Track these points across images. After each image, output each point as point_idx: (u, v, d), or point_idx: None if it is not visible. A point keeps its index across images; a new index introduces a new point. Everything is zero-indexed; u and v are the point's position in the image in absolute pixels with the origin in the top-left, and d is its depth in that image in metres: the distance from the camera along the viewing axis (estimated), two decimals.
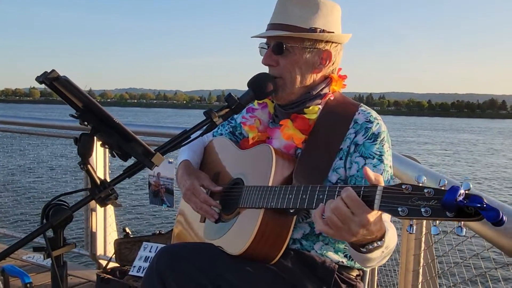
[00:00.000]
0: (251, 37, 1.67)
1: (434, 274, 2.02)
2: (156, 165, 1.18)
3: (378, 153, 1.54)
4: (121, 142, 1.16)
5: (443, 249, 2.02)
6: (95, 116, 1.13)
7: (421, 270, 2.11)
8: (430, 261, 2.06)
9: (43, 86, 1.10)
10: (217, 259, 1.49)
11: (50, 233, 1.20)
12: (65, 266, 1.22)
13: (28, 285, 1.78)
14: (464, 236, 0.91)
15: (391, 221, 1.42)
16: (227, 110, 1.43)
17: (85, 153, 1.17)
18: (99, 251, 3.71)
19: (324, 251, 1.57)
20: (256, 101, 1.72)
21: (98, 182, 1.19)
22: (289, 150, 1.63)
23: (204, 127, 1.40)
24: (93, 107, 1.11)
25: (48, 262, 1.17)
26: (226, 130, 1.93)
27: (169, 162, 3.23)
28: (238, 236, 1.52)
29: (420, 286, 2.12)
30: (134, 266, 3.14)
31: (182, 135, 1.34)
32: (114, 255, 3.37)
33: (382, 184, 1.08)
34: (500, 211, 0.85)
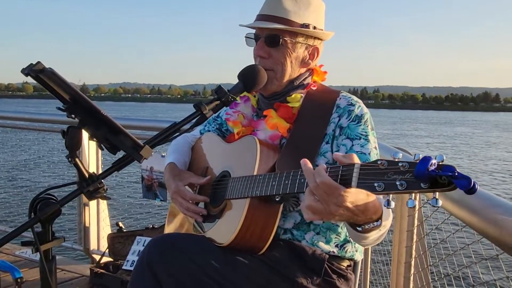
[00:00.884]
0: (241, 25, 1.67)
1: (426, 266, 2.03)
2: (145, 158, 1.17)
3: (364, 133, 1.57)
4: (109, 135, 1.15)
5: (435, 241, 2.03)
6: (82, 109, 1.12)
7: (413, 262, 2.12)
8: (422, 252, 2.06)
9: (35, 81, 1.09)
10: (208, 249, 1.50)
11: (39, 227, 1.19)
12: (54, 260, 1.21)
13: (19, 280, 1.76)
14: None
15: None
16: (217, 102, 1.42)
17: (72, 146, 1.16)
18: (93, 245, 3.70)
19: (315, 241, 1.58)
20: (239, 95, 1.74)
21: (87, 175, 1.18)
22: (274, 140, 1.65)
23: (194, 120, 1.39)
24: (80, 100, 1.09)
25: None
26: (213, 127, 1.97)
27: (162, 156, 3.22)
28: (225, 227, 1.53)
29: (412, 277, 2.13)
30: (128, 261, 3.14)
31: (171, 127, 1.33)
32: (107, 250, 3.37)
33: (357, 161, 1.09)
34: (472, 179, 0.86)
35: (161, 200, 3.46)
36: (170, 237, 1.56)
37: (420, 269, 2.06)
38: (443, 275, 2.03)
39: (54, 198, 1.19)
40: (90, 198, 1.19)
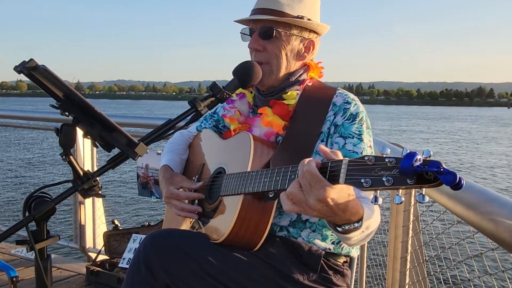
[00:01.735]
0: (235, 21, 1.67)
1: (421, 261, 2.04)
2: (139, 155, 1.16)
3: (357, 132, 1.56)
4: (103, 133, 1.14)
5: (430, 236, 2.04)
6: (76, 106, 1.10)
7: (409, 257, 2.13)
8: (417, 247, 2.07)
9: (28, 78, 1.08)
10: (204, 245, 1.50)
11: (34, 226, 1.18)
12: (49, 258, 1.20)
13: (14, 279, 1.75)
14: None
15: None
16: (212, 99, 1.41)
17: (66, 144, 1.14)
18: (88, 244, 3.70)
19: (311, 238, 1.58)
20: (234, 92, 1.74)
21: (81, 173, 1.17)
22: (269, 137, 1.64)
23: (189, 117, 1.38)
24: (74, 97, 1.08)
25: None
26: (210, 124, 1.96)
27: (158, 154, 3.21)
28: (219, 224, 1.53)
29: (408, 273, 2.14)
30: (124, 258, 3.14)
31: (166, 124, 1.32)
32: (103, 248, 3.37)
33: (341, 157, 1.08)
34: (458, 174, 0.85)
35: (157, 198, 3.45)
36: (166, 232, 1.55)
37: (416, 264, 2.07)
38: (438, 270, 2.04)
39: (49, 196, 1.18)
40: (85, 196, 1.18)
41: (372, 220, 1.29)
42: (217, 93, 1.41)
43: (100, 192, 1.19)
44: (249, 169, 1.49)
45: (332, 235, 1.60)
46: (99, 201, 3.75)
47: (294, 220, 1.59)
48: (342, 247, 1.62)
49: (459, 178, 0.85)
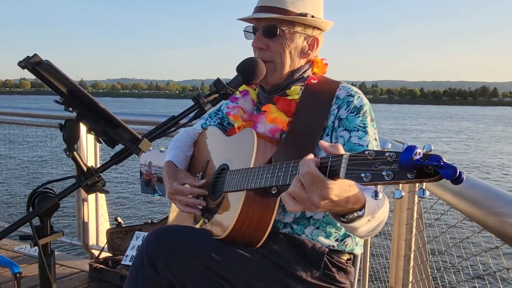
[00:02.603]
0: (238, 19, 1.66)
1: (425, 259, 2.03)
2: (143, 151, 1.16)
3: (362, 125, 1.55)
4: (107, 128, 1.13)
5: (434, 234, 2.03)
6: (80, 102, 1.10)
7: (412, 255, 2.12)
8: (421, 245, 2.06)
9: (33, 77, 1.07)
10: (208, 242, 1.50)
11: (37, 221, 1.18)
12: (52, 254, 1.20)
13: (17, 275, 1.76)
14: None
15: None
16: (216, 95, 1.41)
17: (70, 139, 1.14)
18: (91, 241, 3.70)
19: (315, 235, 1.57)
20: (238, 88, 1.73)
21: (85, 169, 1.16)
22: (274, 133, 1.64)
23: (193, 113, 1.38)
24: (78, 92, 1.08)
25: None
26: (215, 121, 1.96)
27: (161, 151, 3.21)
28: (222, 220, 1.53)
29: (411, 270, 2.14)
30: (127, 256, 3.14)
31: (170, 121, 1.32)
32: (106, 245, 3.37)
33: (342, 151, 1.08)
34: (458, 169, 0.84)
35: (159, 195, 3.45)
36: (170, 229, 1.55)
37: (420, 262, 2.07)
38: (442, 268, 2.04)
39: (52, 192, 1.18)
40: (89, 191, 1.17)
41: (379, 208, 1.28)
42: (220, 89, 1.41)
43: (103, 188, 1.19)
44: (252, 165, 1.48)
45: (336, 232, 1.60)
46: (102, 199, 3.76)
47: (298, 217, 1.58)
48: (346, 245, 1.62)
49: (460, 172, 0.84)
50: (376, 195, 0.97)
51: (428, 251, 2.03)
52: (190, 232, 1.56)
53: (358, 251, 1.67)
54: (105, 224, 3.75)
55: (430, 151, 0.89)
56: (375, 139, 1.58)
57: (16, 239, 3.79)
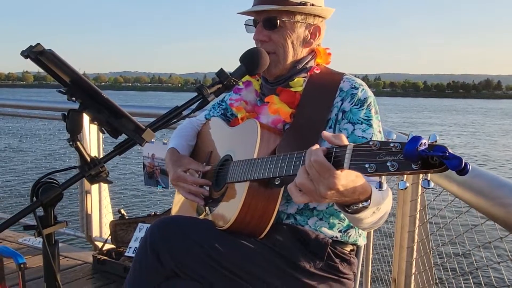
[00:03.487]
0: (238, 13, 1.66)
1: (428, 250, 2.03)
2: (146, 141, 1.16)
3: (365, 118, 1.54)
4: (110, 119, 1.13)
5: (438, 226, 2.03)
6: (83, 91, 1.10)
7: (415, 247, 2.12)
8: (424, 237, 2.06)
9: (36, 70, 1.06)
10: (211, 232, 1.50)
11: (41, 212, 1.19)
12: (56, 244, 1.20)
13: (22, 265, 1.76)
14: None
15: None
16: (219, 86, 1.40)
17: (73, 129, 1.14)
18: (95, 233, 3.71)
19: (318, 226, 1.57)
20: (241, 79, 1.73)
21: (88, 159, 1.17)
22: (276, 124, 1.64)
23: (196, 103, 1.37)
24: (81, 82, 1.08)
25: None
26: (218, 112, 1.96)
27: (164, 143, 3.22)
28: (225, 211, 1.54)
29: (414, 262, 2.13)
30: (130, 247, 3.15)
31: (173, 111, 1.32)
32: (109, 237, 3.39)
33: (345, 141, 1.07)
34: (463, 160, 0.83)
35: (163, 187, 3.46)
36: (174, 219, 1.56)
37: (423, 254, 2.07)
38: (446, 259, 2.03)
39: (56, 182, 1.18)
40: (92, 182, 1.17)
41: (383, 200, 1.28)
42: (224, 80, 1.40)
43: (107, 178, 1.19)
44: (255, 156, 1.48)
45: (339, 223, 1.60)
46: (105, 191, 3.77)
47: (301, 208, 1.58)
48: (349, 236, 1.62)
49: (465, 163, 0.83)
50: (380, 186, 0.97)
51: (431, 243, 2.03)
52: (194, 223, 1.56)
53: (362, 242, 1.68)
54: (109, 216, 3.76)
55: (436, 141, 0.88)
56: (380, 132, 1.57)
57: (21, 231, 3.81)
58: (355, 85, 1.60)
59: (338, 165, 1.04)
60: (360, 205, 1.18)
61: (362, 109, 1.55)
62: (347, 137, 1.50)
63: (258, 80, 1.78)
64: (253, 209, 1.46)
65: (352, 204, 1.18)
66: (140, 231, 3.21)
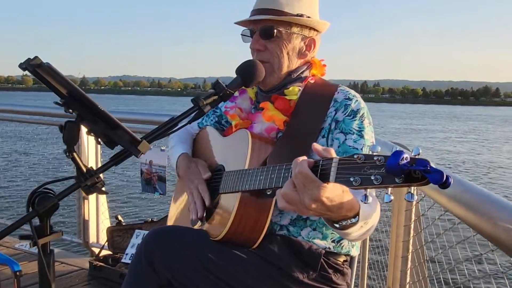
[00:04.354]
0: (235, 23, 1.68)
1: (422, 260, 2.04)
2: (142, 153, 1.17)
3: (357, 128, 1.56)
4: (106, 130, 1.15)
5: (432, 236, 2.04)
6: (79, 103, 1.12)
7: (409, 257, 2.14)
8: (418, 247, 2.08)
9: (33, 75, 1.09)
10: (205, 242, 1.51)
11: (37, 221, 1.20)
12: (52, 254, 1.22)
13: (17, 273, 1.77)
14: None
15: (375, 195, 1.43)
16: (215, 97, 1.41)
17: (70, 140, 1.15)
18: (92, 239, 3.72)
19: (312, 237, 1.59)
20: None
21: (84, 169, 1.18)
22: (270, 132, 1.65)
23: (192, 115, 1.39)
24: (77, 94, 1.10)
25: None
26: (212, 120, 1.97)
27: (161, 150, 3.23)
28: (218, 222, 1.55)
29: (408, 272, 2.15)
30: (127, 254, 3.16)
31: (169, 122, 1.33)
32: (106, 243, 3.39)
33: (334, 155, 1.08)
34: (444, 173, 0.84)
35: (160, 194, 3.46)
36: (170, 228, 1.57)
37: (417, 264, 2.08)
38: (439, 270, 2.05)
39: (52, 192, 1.20)
40: (88, 192, 1.19)
41: (371, 214, 1.29)
42: (219, 91, 1.42)
43: (103, 189, 1.20)
44: (246, 167, 1.50)
45: (332, 233, 1.61)
46: (103, 197, 3.78)
47: (294, 218, 1.59)
48: (342, 246, 1.63)
49: (447, 176, 0.84)
50: (365, 198, 0.98)
51: (426, 253, 2.04)
52: (188, 233, 1.57)
53: (355, 252, 1.69)
54: (106, 222, 3.77)
55: (418, 155, 0.89)
56: (372, 142, 1.58)
57: (17, 237, 3.82)
58: (349, 96, 1.62)
59: (325, 178, 1.05)
60: (349, 221, 1.18)
61: (355, 120, 1.57)
62: (338, 147, 1.52)
63: (253, 88, 1.80)
64: (245, 220, 1.48)
65: (340, 220, 1.19)
66: (137, 238, 3.22)
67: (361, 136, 1.56)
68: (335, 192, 1.08)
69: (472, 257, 1.55)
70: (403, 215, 2.16)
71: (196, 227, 1.69)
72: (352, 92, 1.65)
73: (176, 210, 1.93)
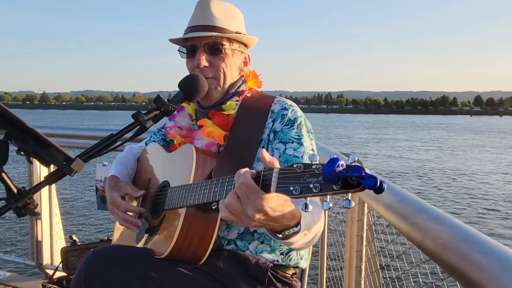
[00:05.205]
0: (170, 40, 1.68)
1: (374, 270, 2.06)
2: (76, 171, 1.14)
3: (296, 137, 1.58)
4: (37, 149, 1.11)
5: (381, 245, 2.07)
6: (7, 122, 1.07)
7: (363, 266, 2.15)
8: (370, 256, 2.09)
9: None
10: (149, 261, 1.48)
11: None
12: None
13: None
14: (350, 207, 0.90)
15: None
16: (156, 112, 1.40)
17: None
18: (46, 260, 3.58)
19: (259, 251, 1.58)
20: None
21: (15, 190, 1.13)
22: (210, 147, 1.65)
23: (134, 130, 1.36)
24: (4, 112, 1.05)
25: None
26: (158, 137, 1.97)
27: (103, 165, 3.14)
28: (163, 238, 1.52)
29: (363, 281, 2.16)
30: None
31: (108, 139, 1.30)
32: (61, 264, 3.27)
33: (277, 166, 1.08)
34: (378, 178, 0.86)
35: None
36: (110, 249, 1.52)
37: (369, 273, 2.09)
38: (394, 277, 2.07)
39: None
40: (19, 214, 1.14)
41: (315, 222, 1.30)
42: (161, 106, 1.40)
43: (35, 210, 1.15)
44: (191, 181, 1.48)
45: (280, 245, 1.60)
46: (56, 216, 3.66)
47: (242, 232, 1.58)
48: (291, 258, 1.62)
49: (380, 182, 0.86)
50: (305, 207, 0.98)
51: (378, 262, 2.06)
52: (131, 253, 1.52)
53: (303, 264, 1.68)
54: (60, 243, 3.64)
55: (354, 162, 0.90)
56: (312, 150, 1.60)
57: None
58: (285, 106, 1.64)
59: (266, 188, 1.05)
60: (291, 230, 1.18)
61: (293, 129, 1.59)
62: (279, 157, 1.53)
63: (190, 104, 1.81)
64: (191, 235, 1.45)
65: (282, 230, 1.19)
66: None
67: (301, 144, 1.57)
68: (277, 202, 1.08)
69: (417, 265, 1.57)
70: (355, 225, 2.17)
71: (140, 244, 1.65)
72: (289, 102, 1.68)
73: (120, 230, 1.88)
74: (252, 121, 1.63)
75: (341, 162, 0.89)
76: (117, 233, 1.90)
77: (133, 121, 1.35)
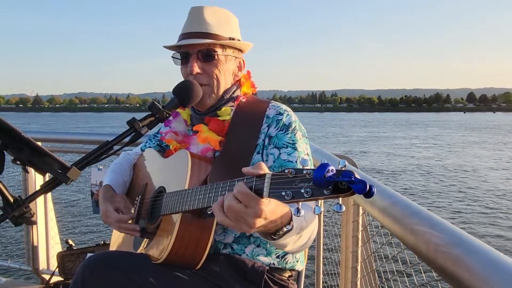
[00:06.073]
0: (174, 45, 1.68)
1: (369, 270, 2.08)
2: (72, 180, 1.14)
3: (291, 142, 1.59)
4: (33, 158, 1.11)
5: (376, 246, 2.08)
6: (1, 131, 1.08)
7: (359, 267, 2.17)
8: (366, 257, 2.11)
9: None
10: (146, 267, 1.48)
11: None
12: None
13: None
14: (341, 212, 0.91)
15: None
16: (151, 118, 1.41)
17: None
18: (42, 265, 3.58)
19: (256, 254, 1.59)
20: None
21: (12, 199, 1.13)
22: (206, 153, 1.66)
23: (129, 137, 1.37)
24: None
25: None
26: (154, 143, 1.98)
27: (99, 170, 3.13)
28: (160, 244, 1.53)
29: (359, 282, 2.18)
30: None
31: (103, 146, 1.30)
32: (57, 269, 3.27)
33: (265, 169, 1.09)
34: (368, 182, 0.87)
35: None
36: (106, 255, 1.52)
37: (365, 274, 2.11)
38: (390, 277, 2.09)
39: None
40: (16, 223, 1.14)
41: (307, 223, 1.31)
42: (156, 112, 1.41)
43: (32, 219, 1.15)
44: (186, 187, 1.49)
45: (276, 248, 1.61)
46: (52, 221, 3.65)
47: (238, 236, 1.59)
48: (287, 261, 1.63)
49: (370, 186, 0.87)
50: (297, 212, 0.99)
51: (373, 262, 2.08)
52: (128, 258, 1.53)
53: (300, 267, 1.70)
54: (56, 247, 3.64)
55: (344, 167, 0.92)
56: (307, 154, 1.62)
57: None
58: (280, 111, 1.66)
59: (259, 195, 1.06)
60: (285, 229, 1.18)
61: (287, 134, 1.60)
62: (274, 161, 1.54)
63: (185, 110, 1.82)
64: (187, 240, 1.46)
65: (277, 230, 1.19)
66: None
67: (295, 149, 1.58)
68: (271, 205, 1.10)
69: (411, 266, 1.59)
70: (351, 225, 2.19)
71: (138, 251, 1.65)
72: (284, 107, 1.69)
73: (117, 235, 1.88)
74: (247, 126, 1.64)
75: (331, 167, 0.91)
76: (115, 236, 1.91)
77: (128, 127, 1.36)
